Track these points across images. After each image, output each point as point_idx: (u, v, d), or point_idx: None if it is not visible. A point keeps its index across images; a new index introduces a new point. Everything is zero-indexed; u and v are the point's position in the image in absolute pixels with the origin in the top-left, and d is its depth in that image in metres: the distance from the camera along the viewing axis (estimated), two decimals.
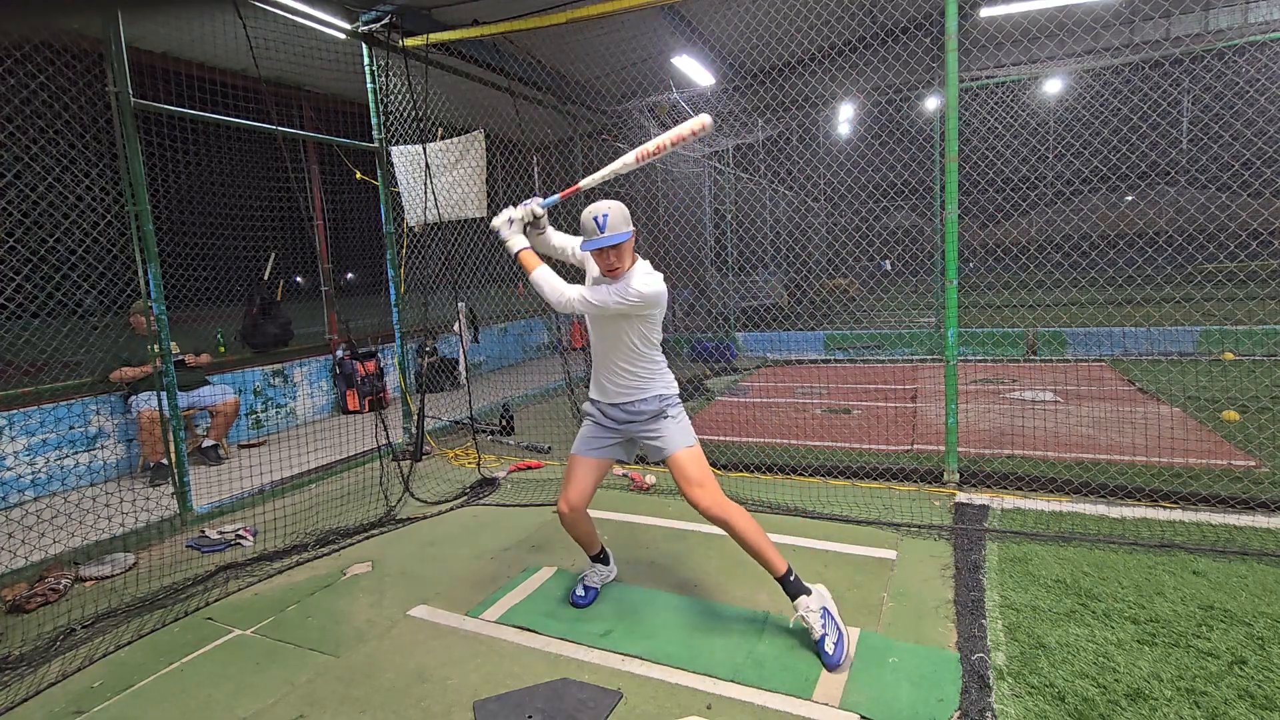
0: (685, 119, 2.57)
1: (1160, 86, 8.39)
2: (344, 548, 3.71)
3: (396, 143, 5.49)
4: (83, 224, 3.92)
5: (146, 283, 3.87)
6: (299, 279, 7.87)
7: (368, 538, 3.84)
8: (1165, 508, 3.54)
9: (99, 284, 4.05)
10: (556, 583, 3.15)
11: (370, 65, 5.32)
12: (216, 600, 3.15)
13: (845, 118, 12.22)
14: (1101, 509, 3.56)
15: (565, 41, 6.39)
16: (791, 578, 2.52)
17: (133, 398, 4.89)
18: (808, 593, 2.51)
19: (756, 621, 2.71)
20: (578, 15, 4.46)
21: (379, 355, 6.99)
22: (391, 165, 5.49)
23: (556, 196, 2.73)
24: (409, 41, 5.10)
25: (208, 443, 5.21)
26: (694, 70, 8.79)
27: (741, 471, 4.54)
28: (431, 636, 2.74)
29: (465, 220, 5.59)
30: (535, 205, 2.66)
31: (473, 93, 6.39)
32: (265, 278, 6.65)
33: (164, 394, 4.02)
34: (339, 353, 6.89)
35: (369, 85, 5.37)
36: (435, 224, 5.51)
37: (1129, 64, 8.42)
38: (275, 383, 6.39)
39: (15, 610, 3.10)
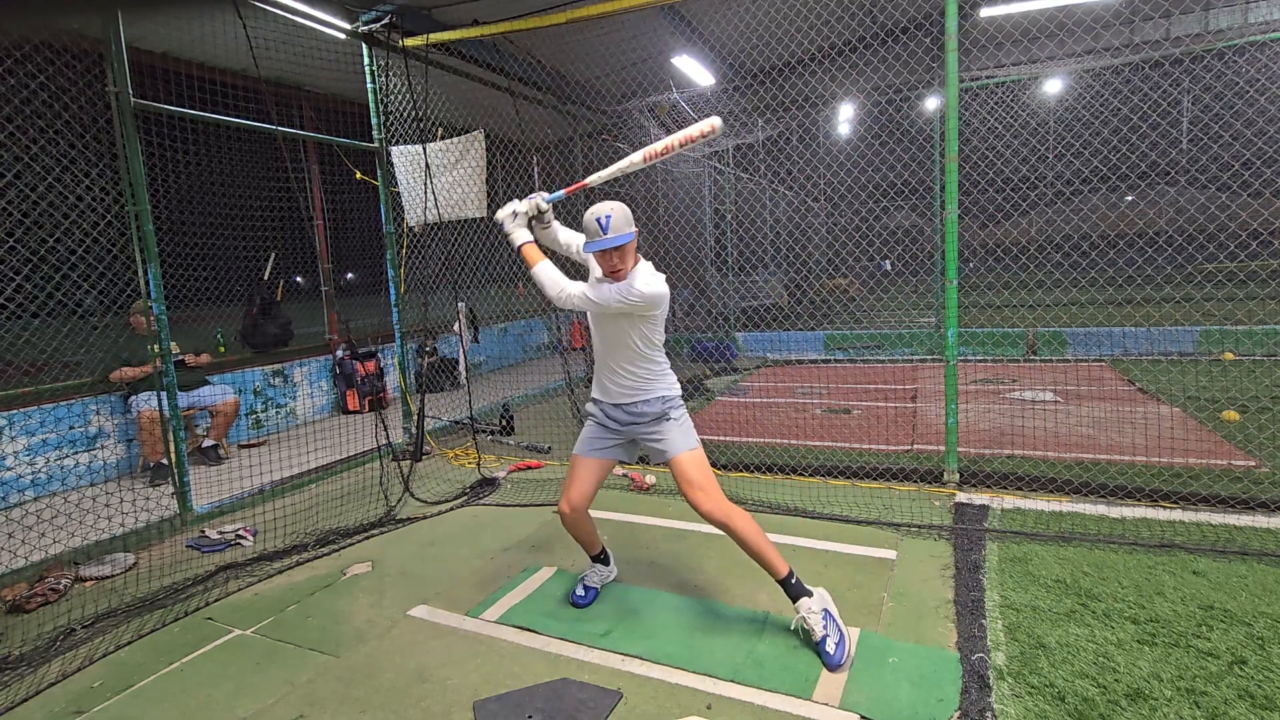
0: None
1: (1160, 86, 8.39)
2: (344, 548, 3.71)
3: (396, 143, 5.49)
4: (83, 224, 3.92)
5: (146, 283, 3.87)
6: (299, 279, 7.87)
7: (368, 538, 3.84)
8: (1165, 508, 3.54)
9: (99, 284, 4.05)
10: (556, 583, 3.15)
11: (370, 65, 5.32)
12: (216, 600, 3.15)
13: (845, 118, 12.22)
14: (1101, 509, 3.56)
15: (565, 41, 6.38)
16: (793, 580, 2.52)
17: (133, 398, 4.89)
18: (809, 594, 2.51)
19: (756, 621, 2.71)
20: (578, 15, 4.46)
21: (379, 355, 6.99)
22: (391, 165, 5.49)
23: (562, 192, 2.72)
24: (409, 41, 5.10)
25: (208, 443, 5.21)
26: (694, 70, 8.79)
27: (741, 471, 4.54)
28: (431, 636, 2.74)
29: (465, 220, 5.59)
30: (540, 199, 2.65)
31: (473, 93, 6.39)
32: (265, 278, 6.65)
33: (164, 394, 4.02)
34: (339, 353, 6.89)
35: (369, 85, 5.37)
36: (435, 224, 5.51)
37: (1129, 64, 8.42)
38: (275, 383, 6.39)
39: (15, 610, 3.10)
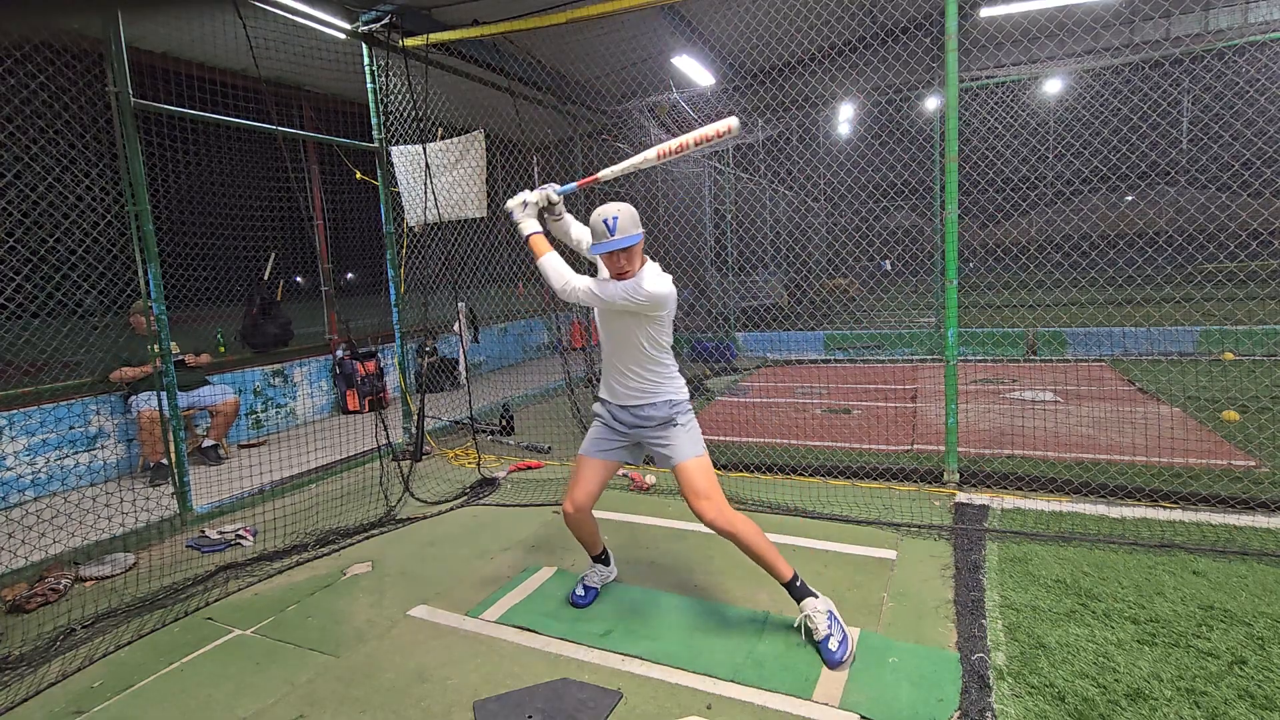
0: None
1: (1160, 86, 8.39)
2: (344, 548, 3.71)
3: (396, 143, 5.49)
4: (83, 224, 3.92)
5: (146, 283, 3.87)
6: (299, 279, 7.87)
7: (368, 538, 3.84)
8: (1165, 508, 3.54)
9: (99, 284, 4.05)
10: (556, 583, 3.15)
11: (370, 65, 5.32)
12: (216, 600, 3.15)
13: (845, 118, 12.22)
14: (1101, 509, 3.56)
15: (565, 41, 6.38)
16: (798, 583, 2.53)
17: (133, 398, 4.89)
18: (814, 595, 2.52)
19: (756, 621, 2.71)
20: (578, 15, 4.46)
21: (379, 355, 6.99)
22: (391, 165, 5.49)
23: (574, 184, 2.70)
24: (409, 41, 5.10)
25: (208, 443, 5.21)
26: (694, 70, 8.79)
27: (741, 471, 4.54)
28: (431, 636, 2.74)
29: (465, 220, 5.59)
30: (551, 191, 2.64)
31: (473, 93, 6.39)
32: (265, 278, 6.64)
33: (164, 394, 4.02)
34: (339, 353, 6.89)
35: (369, 85, 5.37)
36: (435, 224, 5.51)
37: (1129, 64, 8.42)
38: (275, 383, 6.39)
39: (15, 610, 3.10)
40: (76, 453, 4.83)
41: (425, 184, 5.30)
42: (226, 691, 2.45)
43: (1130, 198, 15.19)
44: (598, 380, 2.88)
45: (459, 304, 6.39)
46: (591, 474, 2.74)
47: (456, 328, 6.49)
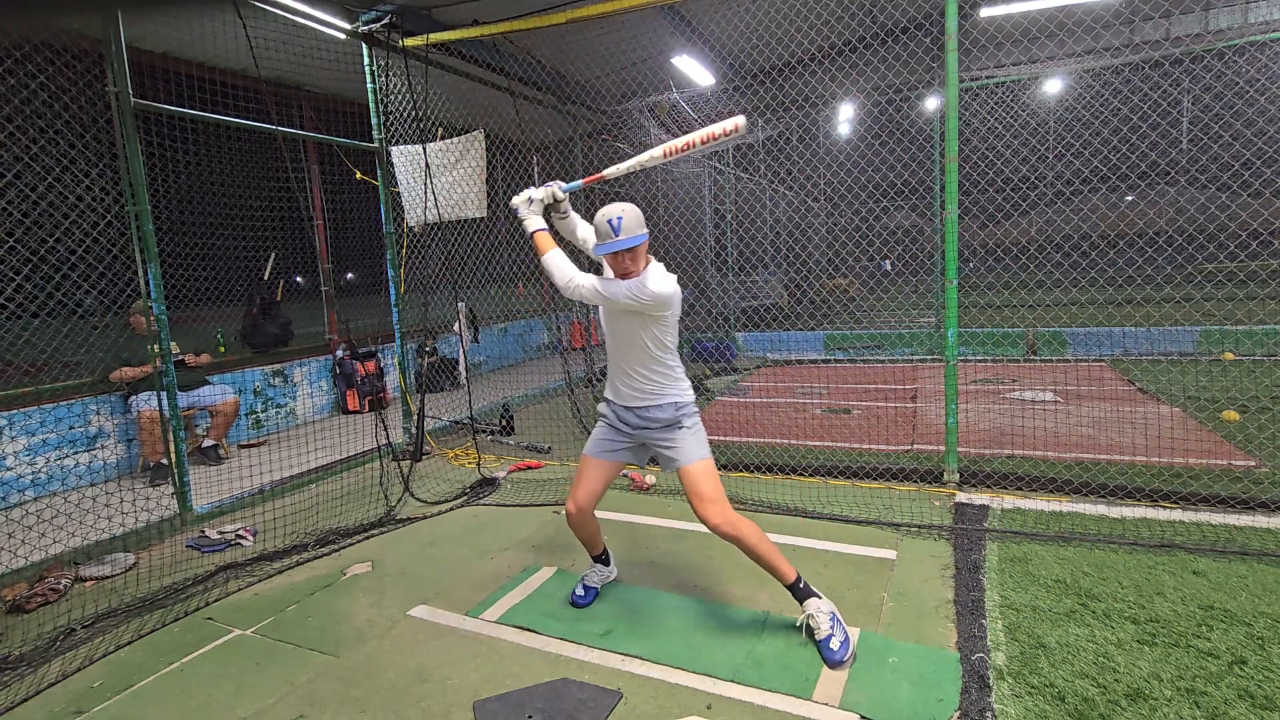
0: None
1: (1160, 86, 8.39)
2: (344, 548, 3.71)
3: (396, 143, 5.49)
4: (83, 224, 3.92)
5: (146, 283, 3.87)
6: (299, 279, 7.87)
7: (368, 538, 3.84)
8: (1165, 508, 3.54)
9: (99, 284, 4.05)
10: (556, 583, 3.15)
11: (370, 65, 5.32)
12: (216, 600, 3.15)
13: (845, 118, 12.22)
14: (1101, 509, 3.56)
15: (565, 41, 6.38)
16: (801, 585, 2.53)
17: (133, 398, 4.89)
18: (818, 596, 2.53)
19: (756, 621, 2.71)
20: (578, 15, 4.46)
21: (379, 355, 6.99)
22: (391, 165, 5.49)
23: (580, 182, 2.69)
24: (409, 41, 5.10)
25: (208, 443, 5.21)
26: (694, 70, 8.79)
27: (741, 471, 4.54)
28: (431, 636, 2.74)
29: (465, 220, 5.59)
30: (557, 188, 2.62)
31: (473, 93, 6.39)
32: (265, 278, 6.65)
33: (164, 394, 4.02)
34: (339, 353, 6.89)
35: (369, 85, 5.37)
36: (435, 224, 5.51)
37: (1129, 64, 8.42)
38: (275, 383, 6.39)
39: (15, 610, 3.10)
40: (76, 453, 4.83)
41: (425, 184, 5.30)
42: (226, 691, 2.45)
43: (1130, 198, 15.20)
44: (597, 380, 2.88)
45: (459, 304, 6.39)
46: (595, 474, 2.74)
47: (456, 328, 6.50)
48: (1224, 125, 8.70)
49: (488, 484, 4.65)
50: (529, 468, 5.04)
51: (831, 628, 2.45)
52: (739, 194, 10.69)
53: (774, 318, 10.34)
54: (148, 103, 3.88)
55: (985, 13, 8.11)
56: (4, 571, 3.34)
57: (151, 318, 3.97)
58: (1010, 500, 3.76)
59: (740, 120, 2.43)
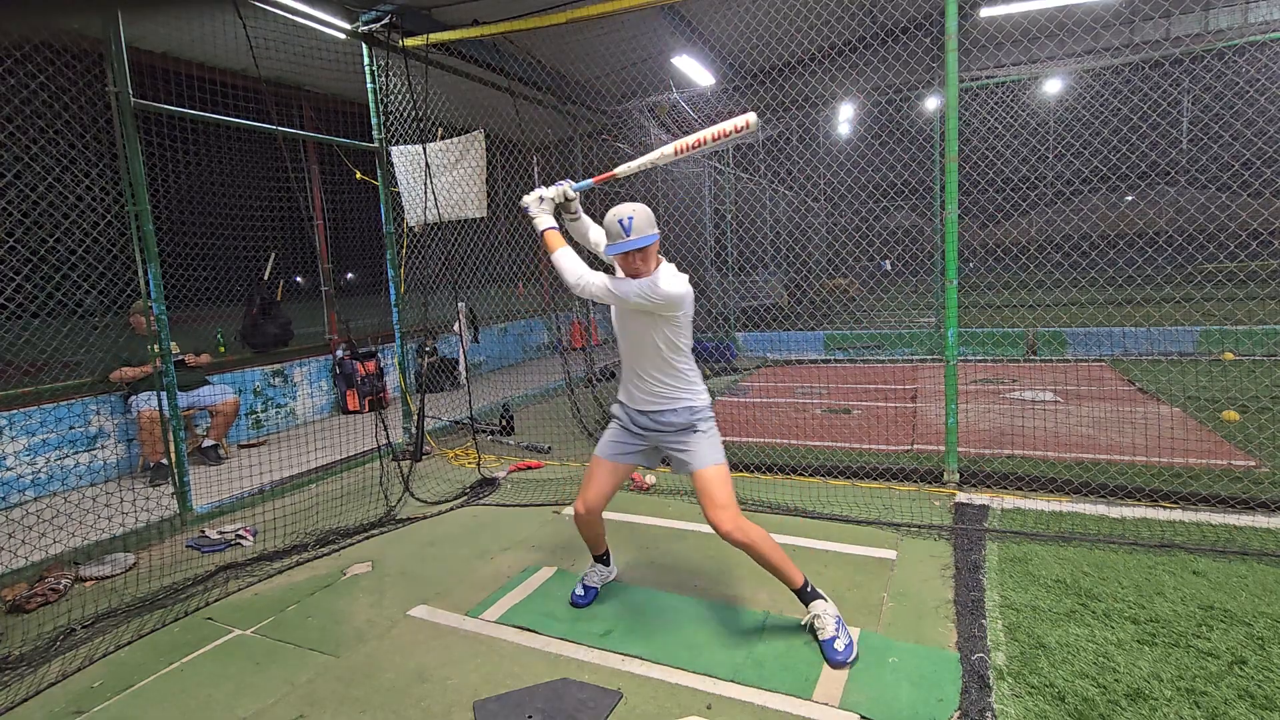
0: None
1: (1160, 86, 8.38)
2: (344, 548, 3.71)
3: (396, 143, 5.49)
4: (83, 224, 3.92)
5: (146, 283, 3.87)
6: (299, 279, 7.87)
7: (368, 538, 3.84)
8: (1165, 508, 3.54)
9: (99, 284, 4.05)
10: (556, 583, 3.15)
11: (370, 65, 5.32)
12: (216, 600, 3.15)
13: (845, 118, 12.22)
14: (1101, 509, 3.56)
15: (565, 41, 6.38)
16: (808, 588, 2.53)
17: (133, 398, 4.89)
18: (823, 598, 2.53)
19: (756, 621, 2.71)
20: (578, 15, 4.46)
21: (379, 355, 6.99)
22: (391, 165, 5.49)
23: (590, 181, 2.68)
24: (409, 41, 5.10)
25: (208, 443, 5.21)
26: (694, 70, 8.79)
27: (741, 471, 4.53)
28: (431, 636, 2.74)
29: (465, 220, 5.59)
30: (568, 187, 2.62)
31: (473, 93, 6.39)
32: (265, 278, 6.65)
33: (164, 394, 4.02)
34: (339, 353, 6.89)
35: (369, 85, 5.37)
36: (435, 224, 5.51)
37: (1129, 64, 8.42)
38: (275, 383, 6.39)
39: (15, 610, 3.10)
40: (76, 453, 4.83)
41: (425, 184, 5.30)
42: (226, 691, 2.45)
43: (1130, 198, 15.20)
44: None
45: (459, 304, 6.39)
46: (605, 476, 2.72)
47: (456, 328, 6.50)
48: (1224, 125, 8.70)
49: (488, 484, 4.65)
50: (529, 468, 5.04)
51: (836, 630, 2.45)
52: (739, 194, 10.69)
53: (774, 318, 10.34)
54: (148, 103, 3.88)
55: (985, 13, 8.11)
56: (4, 571, 3.34)
57: (151, 318, 3.97)
58: (1010, 500, 3.76)
59: (751, 117, 2.42)
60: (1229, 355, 7.44)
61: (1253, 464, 4.09)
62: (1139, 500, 3.65)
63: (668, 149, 2.57)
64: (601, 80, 8.07)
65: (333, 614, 2.97)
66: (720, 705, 2.23)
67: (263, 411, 6.22)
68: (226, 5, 4.10)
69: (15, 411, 4.56)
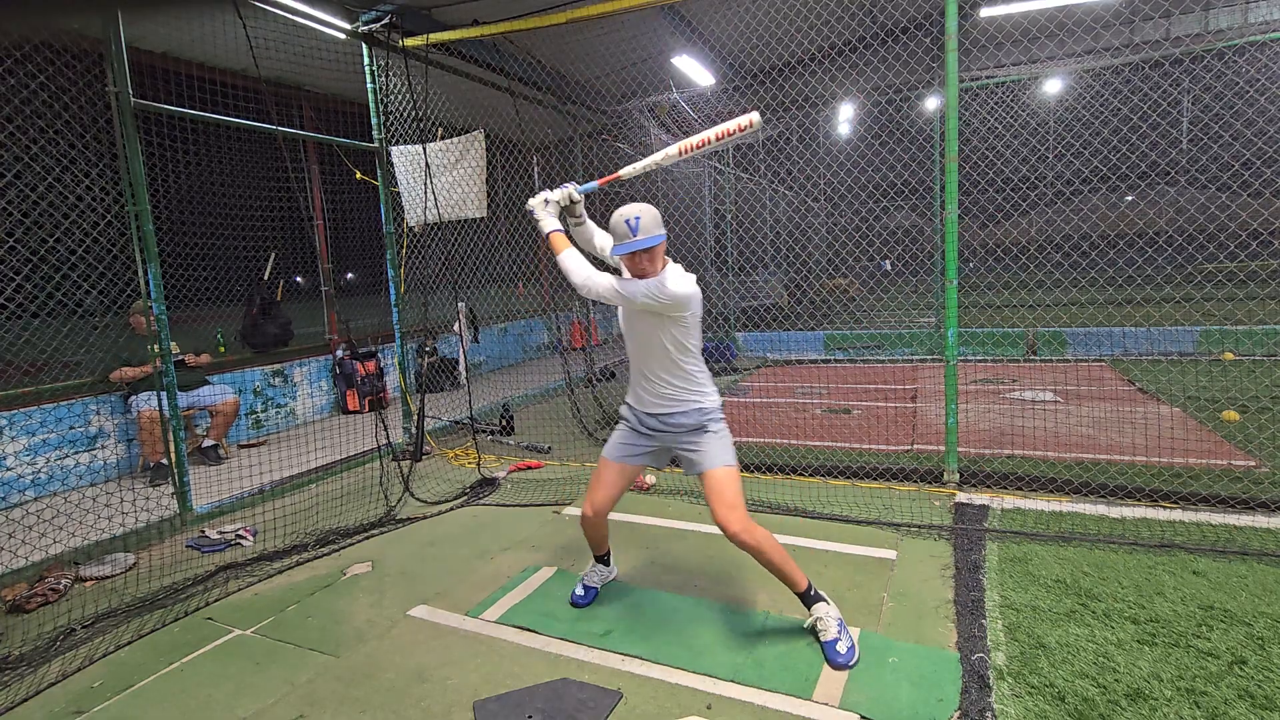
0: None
1: (1160, 86, 8.38)
2: (344, 548, 3.71)
3: (396, 143, 5.49)
4: (83, 224, 3.92)
5: (146, 283, 3.87)
6: (299, 279, 7.87)
7: (368, 538, 3.84)
8: (1165, 508, 3.54)
9: (99, 284, 4.05)
10: (556, 583, 3.15)
11: (370, 65, 5.32)
12: (216, 600, 3.15)
13: (845, 118, 12.22)
14: (1101, 509, 3.56)
15: (565, 41, 6.39)
16: (811, 591, 2.53)
17: (133, 398, 4.89)
18: (826, 601, 2.53)
19: (757, 622, 2.71)
20: (578, 15, 4.46)
21: (379, 355, 6.99)
22: (391, 165, 5.49)
23: (595, 183, 2.68)
24: (409, 41, 5.10)
25: (208, 443, 5.21)
26: (694, 70, 8.79)
27: (741, 471, 4.52)
28: (431, 636, 2.74)
29: (465, 220, 5.59)
30: (572, 189, 2.61)
31: (473, 93, 6.39)
32: (265, 278, 6.65)
33: (164, 394, 4.02)
34: (339, 353, 6.89)
35: (369, 85, 5.37)
36: (435, 224, 5.51)
37: (1129, 64, 8.42)
38: (275, 383, 6.39)
39: (15, 610, 3.10)
40: (76, 453, 4.83)
41: (425, 184, 5.30)
42: (226, 691, 2.45)
43: (1130, 198, 15.21)
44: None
45: (459, 304, 6.39)
46: (613, 478, 2.71)
47: (456, 328, 6.50)
48: (1224, 125, 8.70)
49: (488, 484, 4.65)
50: (529, 468, 5.04)
51: (839, 632, 2.45)
52: (739, 194, 10.69)
53: (774, 318, 10.34)
54: (148, 103, 3.88)
55: (985, 13, 8.11)
56: (4, 571, 3.34)
57: (151, 318, 3.97)
58: (1010, 500, 3.76)
59: (755, 116, 2.42)
60: (1229, 355, 7.44)
61: (1253, 464, 4.09)
62: (1139, 500, 3.65)
63: (672, 149, 2.56)
64: (601, 80, 8.07)
65: (333, 614, 2.97)
66: (720, 705, 2.23)
67: (263, 411, 6.22)
68: (226, 5, 4.10)
69: (15, 411, 4.56)
